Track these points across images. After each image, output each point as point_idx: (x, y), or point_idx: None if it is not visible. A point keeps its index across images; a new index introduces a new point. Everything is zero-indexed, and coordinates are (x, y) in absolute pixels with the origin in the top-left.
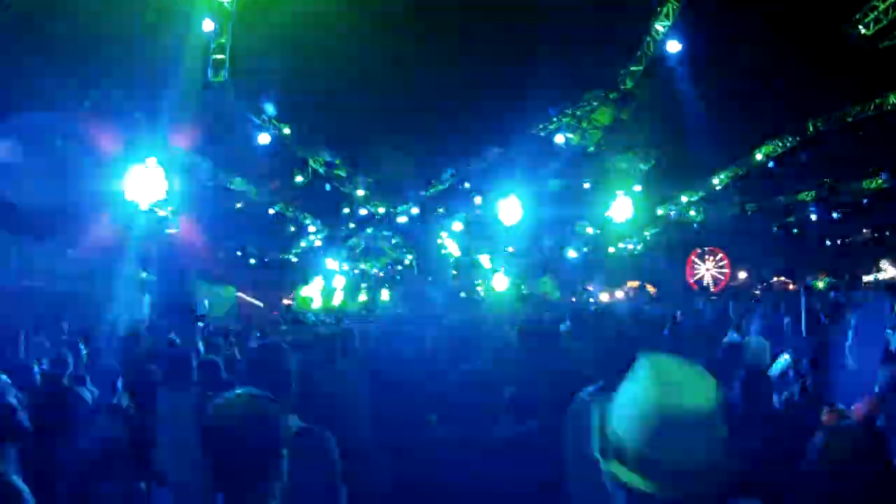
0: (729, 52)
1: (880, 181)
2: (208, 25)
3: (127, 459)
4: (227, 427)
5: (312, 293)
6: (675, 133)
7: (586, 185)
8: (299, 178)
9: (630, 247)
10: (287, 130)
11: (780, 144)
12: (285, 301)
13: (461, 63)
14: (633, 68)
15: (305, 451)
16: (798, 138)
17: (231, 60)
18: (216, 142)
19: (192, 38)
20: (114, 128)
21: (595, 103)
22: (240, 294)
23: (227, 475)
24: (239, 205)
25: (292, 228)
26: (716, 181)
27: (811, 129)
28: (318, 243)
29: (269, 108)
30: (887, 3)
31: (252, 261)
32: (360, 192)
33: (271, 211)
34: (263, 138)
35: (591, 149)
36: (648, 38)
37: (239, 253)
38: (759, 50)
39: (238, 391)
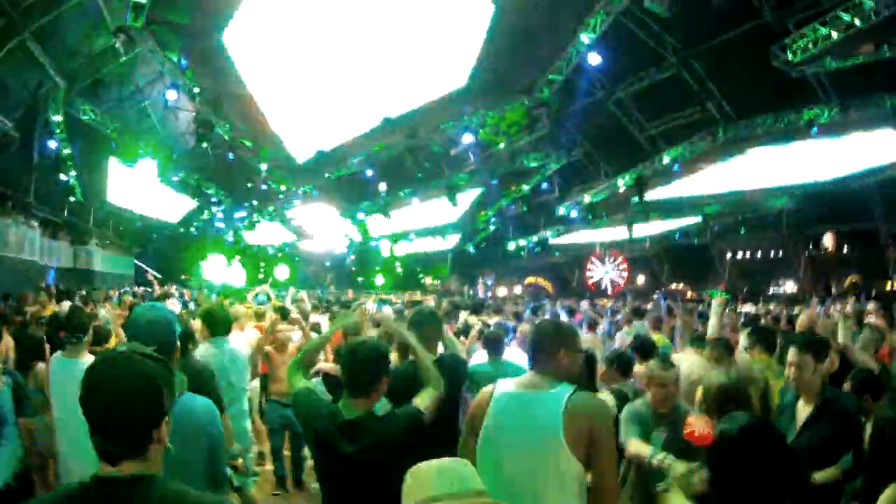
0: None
1: (784, 199)
2: None
3: None
4: (105, 386)
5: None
6: (586, 135)
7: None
8: (203, 144)
9: (528, 244)
10: (196, 90)
11: (688, 148)
12: (182, 277)
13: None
14: (551, 77)
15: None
16: (705, 144)
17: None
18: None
19: None
20: None
21: (508, 107)
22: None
23: (106, 437)
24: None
25: (195, 200)
26: (620, 182)
27: (721, 134)
28: (219, 216)
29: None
30: (817, 35)
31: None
32: (264, 167)
33: (175, 179)
34: (171, 95)
35: (502, 146)
36: (572, 48)
37: (139, 224)
38: (679, 60)
39: (122, 348)
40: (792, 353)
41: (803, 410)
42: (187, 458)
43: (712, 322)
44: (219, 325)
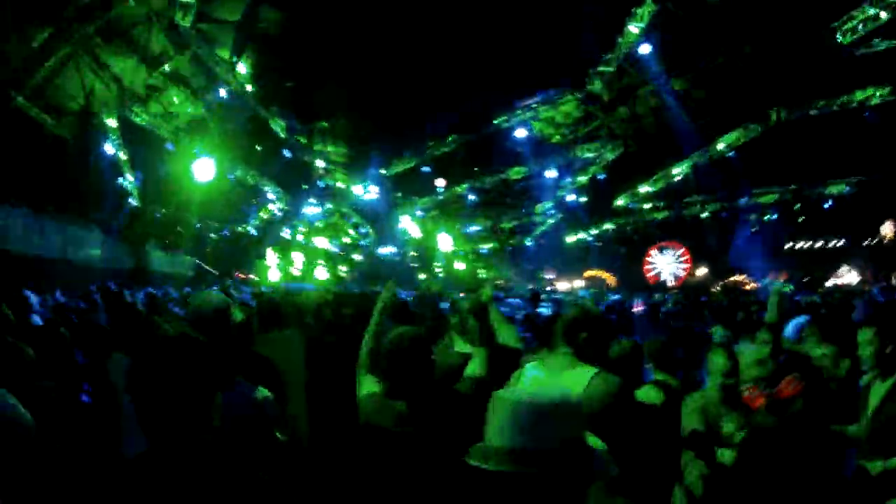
0: (700, 49)
1: (843, 187)
2: None
3: None
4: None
5: (272, 267)
6: (641, 124)
7: (551, 174)
8: (260, 142)
9: (588, 237)
10: (249, 88)
11: (744, 133)
12: (240, 275)
13: (431, 50)
14: (601, 69)
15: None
16: (760, 128)
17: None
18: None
19: None
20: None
21: (560, 100)
22: (199, 263)
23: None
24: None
25: (254, 198)
26: (676, 171)
27: (774, 118)
28: (278, 214)
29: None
30: (865, 16)
31: (213, 235)
32: (321, 164)
33: (231, 177)
34: (224, 94)
35: (557, 138)
36: (621, 40)
37: (198, 225)
38: (731, 47)
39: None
40: (868, 332)
41: (879, 389)
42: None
43: (770, 311)
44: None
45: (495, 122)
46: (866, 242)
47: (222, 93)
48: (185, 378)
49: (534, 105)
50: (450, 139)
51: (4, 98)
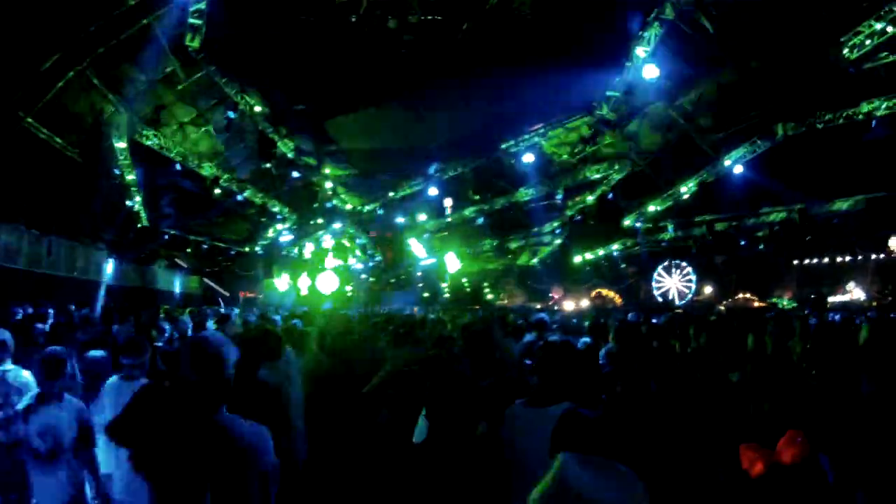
0: (706, 67)
1: (850, 203)
2: None
3: None
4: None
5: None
6: (647, 142)
7: (558, 194)
8: (267, 164)
9: (595, 257)
10: (258, 108)
11: (749, 149)
12: (247, 294)
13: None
14: (609, 94)
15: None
16: (768, 142)
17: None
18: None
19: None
20: None
21: (569, 124)
22: (206, 281)
23: None
24: (218, 191)
25: (262, 218)
26: (683, 189)
27: (780, 132)
28: (286, 234)
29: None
30: (871, 30)
31: (219, 257)
32: (329, 185)
33: (239, 198)
34: (231, 114)
35: (565, 158)
36: (629, 64)
37: (205, 246)
38: (737, 63)
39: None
40: None
41: None
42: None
43: None
44: (272, 347)
45: (503, 146)
46: (873, 258)
47: (231, 114)
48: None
49: (542, 130)
50: (457, 163)
51: (14, 119)
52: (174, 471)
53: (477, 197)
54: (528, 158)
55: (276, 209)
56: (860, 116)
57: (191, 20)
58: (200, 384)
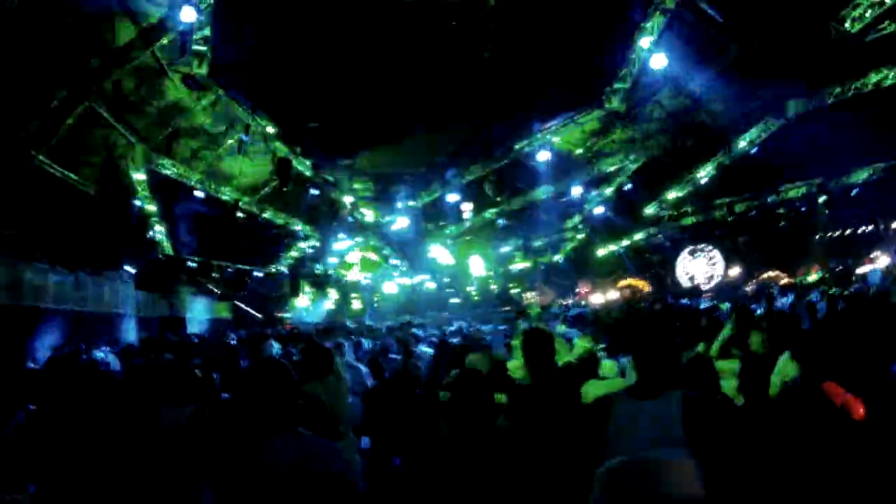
0: (712, 46)
1: (869, 171)
2: (189, 15)
3: None
4: None
5: (305, 305)
6: (662, 130)
7: (576, 190)
8: (286, 183)
9: (619, 248)
10: (271, 129)
11: (764, 129)
12: (277, 315)
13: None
14: (618, 86)
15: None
16: (782, 121)
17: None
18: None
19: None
20: None
21: (580, 120)
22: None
23: None
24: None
25: (285, 238)
26: (702, 174)
27: (791, 110)
28: (309, 252)
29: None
30: (870, 1)
31: (247, 279)
32: (349, 199)
33: (260, 219)
34: (245, 138)
35: (579, 153)
36: (633, 56)
37: (230, 270)
38: (742, 42)
39: None
40: None
41: None
42: None
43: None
44: (321, 363)
45: (516, 147)
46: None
47: (244, 136)
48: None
49: (553, 128)
50: (474, 167)
51: (25, 157)
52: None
53: (497, 198)
54: (543, 157)
55: (297, 228)
56: (869, 87)
57: (195, 47)
58: (273, 404)
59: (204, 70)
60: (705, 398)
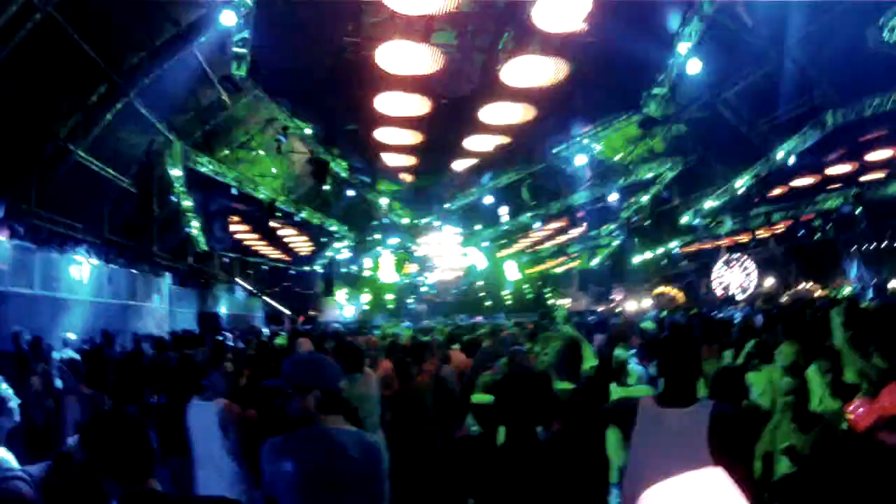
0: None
1: None
2: (229, 18)
3: None
4: None
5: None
6: (699, 140)
7: (612, 197)
8: (323, 184)
9: (654, 256)
10: (308, 131)
11: (800, 139)
12: (311, 313)
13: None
14: (655, 91)
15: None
16: (818, 132)
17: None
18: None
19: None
20: None
21: (617, 124)
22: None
23: None
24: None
25: (321, 238)
26: (738, 184)
27: (830, 121)
28: (344, 252)
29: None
30: None
31: (280, 277)
32: (384, 201)
33: (296, 219)
34: (283, 139)
35: (617, 159)
36: (672, 60)
37: (265, 267)
38: (777, 49)
39: None
40: None
41: None
42: None
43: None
44: (352, 360)
45: (554, 150)
46: None
47: (282, 137)
48: None
49: (591, 132)
50: (511, 171)
51: (65, 152)
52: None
53: (533, 202)
54: (581, 161)
55: (333, 228)
56: None
57: (235, 49)
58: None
59: (243, 72)
60: (735, 410)
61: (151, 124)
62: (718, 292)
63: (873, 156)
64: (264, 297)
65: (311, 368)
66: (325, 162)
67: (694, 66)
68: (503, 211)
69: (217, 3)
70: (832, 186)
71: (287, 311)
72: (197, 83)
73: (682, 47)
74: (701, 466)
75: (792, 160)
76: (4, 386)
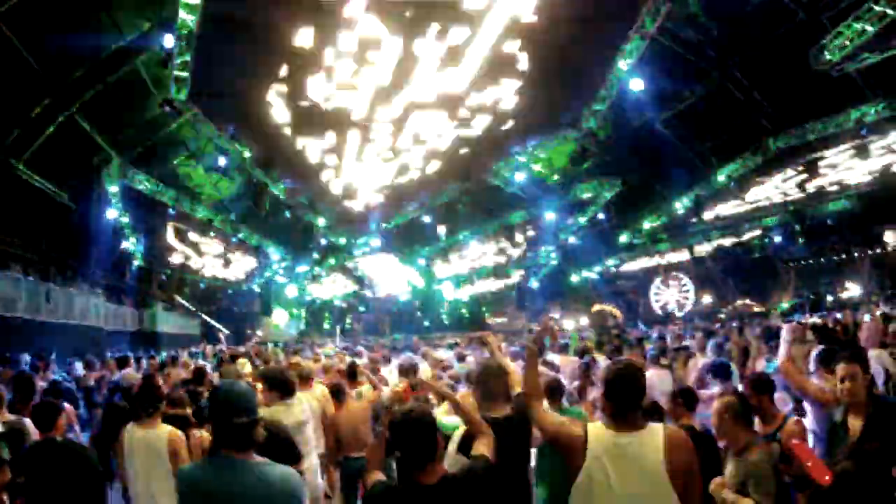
0: (690, 80)
1: (843, 203)
2: (170, 42)
3: None
4: None
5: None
6: (639, 161)
7: (550, 215)
8: (261, 205)
9: (592, 275)
10: (247, 154)
11: (742, 164)
12: (249, 332)
13: None
14: (595, 108)
15: None
16: (759, 157)
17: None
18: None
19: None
20: None
21: (556, 141)
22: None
23: None
24: (212, 235)
25: (255, 259)
26: (678, 205)
27: (772, 147)
28: (281, 272)
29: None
30: (852, 30)
31: (218, 296)
32: (322, 222)
33: (234, 239)
34: (222, 161)
35: (555, 179)
36: (612, 77)
37: (203, 286)
38: (720, 74)
39: None
40: (842, 368)
41: (855, 425)
42: None
43: (781, 352)
44: (280, 385)
45: (493, 168)
46: (868, 253)
47: (221, 161)
48: None
49: (530, 149)
50: (449, 189)
51: (5, 166)
52: None
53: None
54: (520, 177)
55: (270, 248)
56: (850, 124)
57: (176, 72)
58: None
59: (183, 96)
60: (687, 432)
61: (91, 138)
62: (657, 310)
63: (812, 178)
64: (203, 316)
65: (225, 400)
66: (265, 184)
67: (636, 85)
68: (441, 230)
69: (162, 23)
70: (770, 204)
71: (225, 330)
72: (138, 100)
73: (623, 64)
74: (659, 488)
75: (731, 184)
76: None
